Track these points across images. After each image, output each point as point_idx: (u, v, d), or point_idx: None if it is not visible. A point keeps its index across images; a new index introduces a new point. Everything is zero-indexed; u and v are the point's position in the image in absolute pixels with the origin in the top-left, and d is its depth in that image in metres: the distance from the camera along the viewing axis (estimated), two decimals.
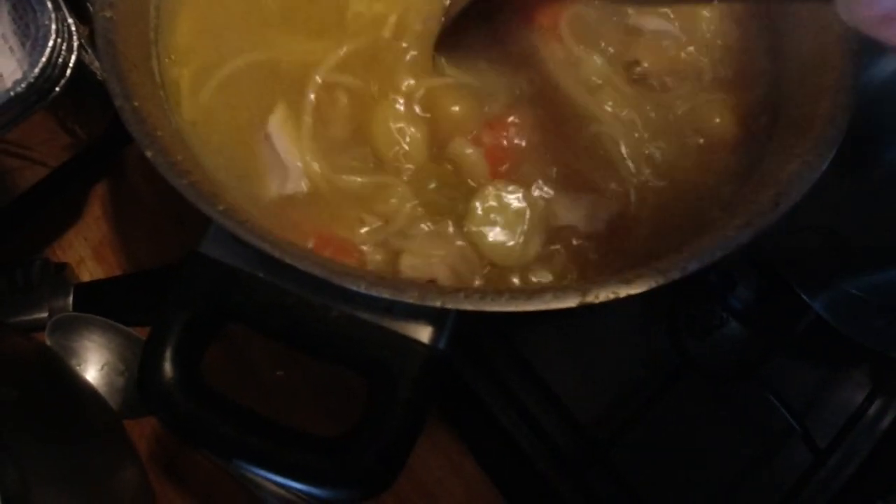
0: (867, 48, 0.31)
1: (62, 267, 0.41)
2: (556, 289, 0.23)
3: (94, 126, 0.38)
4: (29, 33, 0.34)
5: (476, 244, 0.27)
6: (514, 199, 0.28)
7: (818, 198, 0.35)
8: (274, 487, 0.37)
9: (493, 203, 0.27)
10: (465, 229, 0.27)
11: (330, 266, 0.22)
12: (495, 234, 0.27)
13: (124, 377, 0.39)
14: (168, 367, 0.24)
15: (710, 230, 0.26)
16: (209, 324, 0.25)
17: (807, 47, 0.31)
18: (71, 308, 0.40)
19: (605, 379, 0.42)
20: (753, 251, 0.46)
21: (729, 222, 0.26)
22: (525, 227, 0.28)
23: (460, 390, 0.40)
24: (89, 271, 0.41)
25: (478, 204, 0.27)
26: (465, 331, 0.25)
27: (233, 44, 0.30)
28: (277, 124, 0.27)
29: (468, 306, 0.22)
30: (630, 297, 0.23)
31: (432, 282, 0.25)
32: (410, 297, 0.22)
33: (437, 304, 0.22)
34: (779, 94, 0.32)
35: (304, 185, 0.27)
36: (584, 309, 0.45)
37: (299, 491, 0.22)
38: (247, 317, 0.24)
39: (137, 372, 0.24)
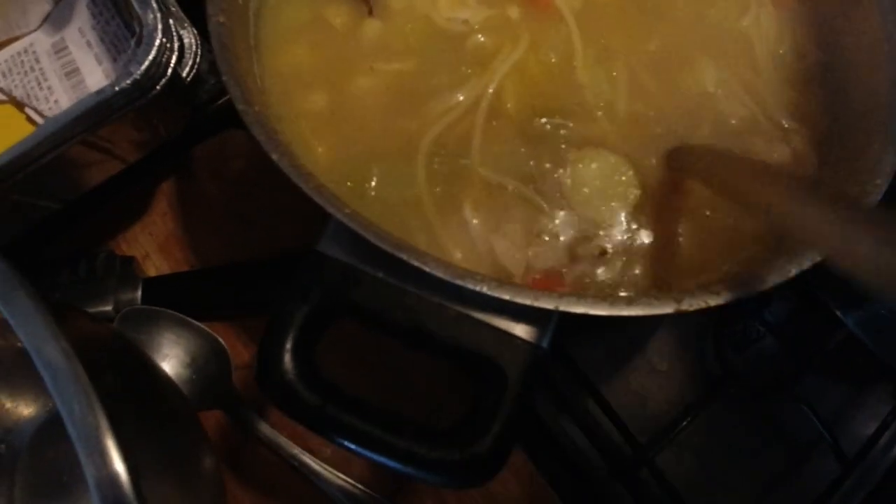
0: None
1: (129, 260, 0.42)
2: (653, 297, 0.25)
3: (175, 125, 0.40)
4: (126, 48, 0.36)
5: None
6: None
7: None
8: (340, 482, 0.39)
9: None
10: None
11: (453, 269, 0.24)
12: None
13: (190, 370, 0.41)
14: (288, 360, 0.26)
15: (782, 246, 0.29)
16: (326, 319, 0.27)
17: (859, 91, 0.35)
18: (139, 301, 0.42)
19: (653, 388, 0.45)
20: None
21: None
22: None
23: None
24: (155, 266, 0.43)
25: None
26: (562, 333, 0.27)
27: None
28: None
29: (578, 309, 0.24)
30: (717, 307, 0.26)
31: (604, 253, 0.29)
32: (527, 299, 0.24)
33: (551, 306, 0.24)
34: (836, 126, 0.36)
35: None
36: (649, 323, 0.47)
37: (422, 480, 0.24)
38: (365, 313, 0.26)
39: (257, 365, 0.26)
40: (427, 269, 0.24)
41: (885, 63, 0.36)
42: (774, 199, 0.25)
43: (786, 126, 0.36)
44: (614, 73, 0.36)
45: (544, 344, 0.26)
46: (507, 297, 0.24)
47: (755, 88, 0.36)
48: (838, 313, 0.46)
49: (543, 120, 0.34)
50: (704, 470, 0.45)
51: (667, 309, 0.25)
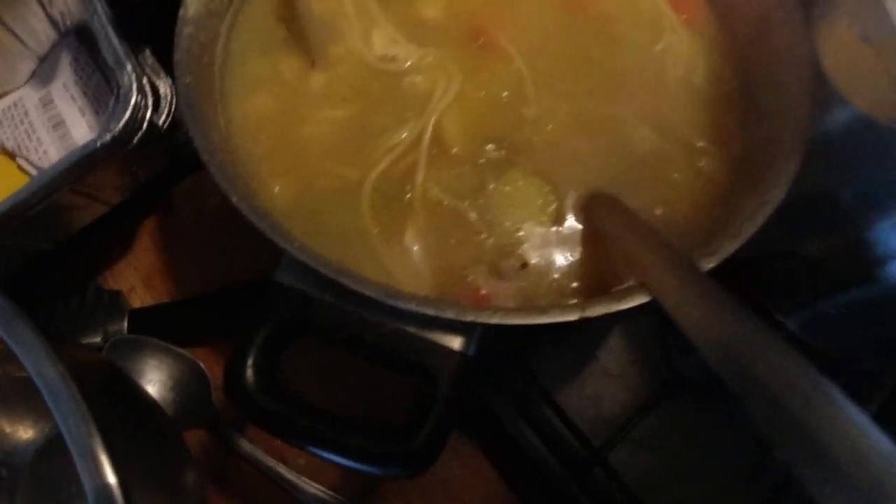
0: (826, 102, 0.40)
1: (116, 294, 0.49)
2: (562, 306, 0.31)
3: (153, 169, 0.46)
4: (107, 100, 0.42)
5: None
6: None
7: (789, 227, 0.44)
8: (313, 490, 0.45)
9: None
10: None
11: (386, 290, 0.30)
12: None
13: (174, 393, 0.47)
14: (250, 374, 0.31)
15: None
16: (284, 338, 0.32)
17: (772, 109, 0.41)
18: (126, 331, 0.47)
19: (606, 392, 0.50)
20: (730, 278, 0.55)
21: (701, 250, 0.34)
22: None
23: (480, 406, 0.48)
24: (140, 298, 0.49)
25: None
26: (490, 341, 0.33)
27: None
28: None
29: (494, 320, 0.30)
30: (622, 312, 0.31)
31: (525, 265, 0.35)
32: (450, 314, 0.30)
33: (470, 318, 0.30)
34: (750, 144, 0.42)
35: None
36: (591, 326, 0.53)
37: (363, 471, 0.30)
38: (317, 332, 0.32)
39: (224, 378, 0.32)
40: (363, 292, 0.30)
41: (793, 81, 0.41)
42: (643, 261, 0.32)
43: (701, 148, 0.41)
44: (553, 108, 0.41)
45: (470, 352, 0.32)
46: (431, 312, 0.30)
47: (671, 116, 0.42)
48: (779, 318, 0.51)
49: (489, 146, 0.40)
50: (663, 468, 0.50)
51: (572, 316, 0.30)
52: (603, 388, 0.51)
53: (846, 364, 0.54)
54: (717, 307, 0.29)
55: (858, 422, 0.22)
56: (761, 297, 0.52)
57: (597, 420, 0.49)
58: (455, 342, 0.32)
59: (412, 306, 0.30)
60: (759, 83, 0.43)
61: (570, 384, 0.51)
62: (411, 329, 0.31)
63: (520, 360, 0.49)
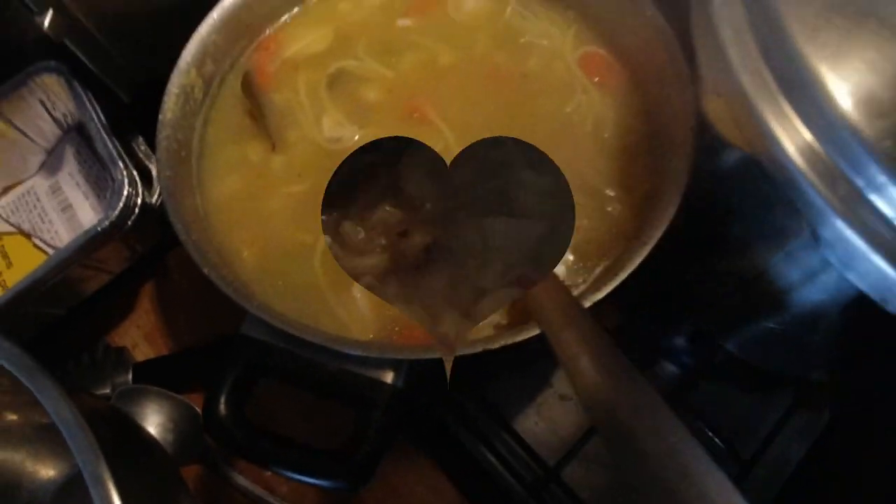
0: (712, 147, 0.49)
1: (122, 350, 0.60)
2: (467, 341, 0.41)
3: (149, 241, 0.58)
4: (106, 185, 0.54)
5: None
6: None
7: (724, 254, 0.53)
8: None
9: None
10: None
11: (325, 336, 0.40)
12: None
13: (172, 433, 0.58)
14: (223, 409, 0.42)
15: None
16: (250, 379, 0.43)
17: (667, 155, 0.49)
18: (130, 382, 0.59)
19: (561, 414, 0.59)
20: (679, 304, 0.63)
21: (592, 284, 0.44)
22: None
23: (440, 429, 0.57)
24: (143, 353, 0.60)
25: None
26: (419, 373, 0.43)
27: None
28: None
29: (411, 357, 0.40)
30: (517, 344, 0.41)
31: None
32: (375, 353, 0.40)
33: (391, 356, 0.40)
34: (652, 188, 0.51)
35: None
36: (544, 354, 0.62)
37: (314, 484, 0.40)
38: (275, 373, 0.42)
39: (202, 413, 0.42)
40: (307, 338, 0.40)
41: (681, 128, 0.50)
42: (537, 298, 0.39)
43: (610, 196, 0.51)
44: None
45: (400, 384, 0.41)
46: (360, 353, 0.40)
47: (583, 170, 0.51)
48: (720, 342, 0.59)
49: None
50: (616, 483, 0.58)
51: (476, 349, 0.40)
52: (557, 411, 0.60)
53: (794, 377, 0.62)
54: (591, 342, 0.37)
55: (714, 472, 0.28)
56: (697, 321, 0.60)
57: (552, 442, 0.58)
58: (387, 376, 0.41)
59: (345, 349, 0.40)
60: (659, 131, 0.53)
61: (527, 410, 0.60)
62: (350, 367, 0.41)
63: (478, 389, 0.59)
